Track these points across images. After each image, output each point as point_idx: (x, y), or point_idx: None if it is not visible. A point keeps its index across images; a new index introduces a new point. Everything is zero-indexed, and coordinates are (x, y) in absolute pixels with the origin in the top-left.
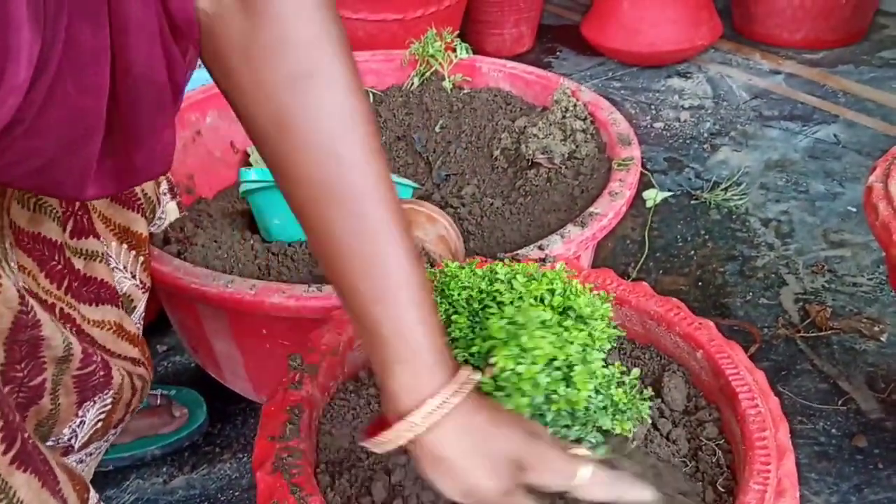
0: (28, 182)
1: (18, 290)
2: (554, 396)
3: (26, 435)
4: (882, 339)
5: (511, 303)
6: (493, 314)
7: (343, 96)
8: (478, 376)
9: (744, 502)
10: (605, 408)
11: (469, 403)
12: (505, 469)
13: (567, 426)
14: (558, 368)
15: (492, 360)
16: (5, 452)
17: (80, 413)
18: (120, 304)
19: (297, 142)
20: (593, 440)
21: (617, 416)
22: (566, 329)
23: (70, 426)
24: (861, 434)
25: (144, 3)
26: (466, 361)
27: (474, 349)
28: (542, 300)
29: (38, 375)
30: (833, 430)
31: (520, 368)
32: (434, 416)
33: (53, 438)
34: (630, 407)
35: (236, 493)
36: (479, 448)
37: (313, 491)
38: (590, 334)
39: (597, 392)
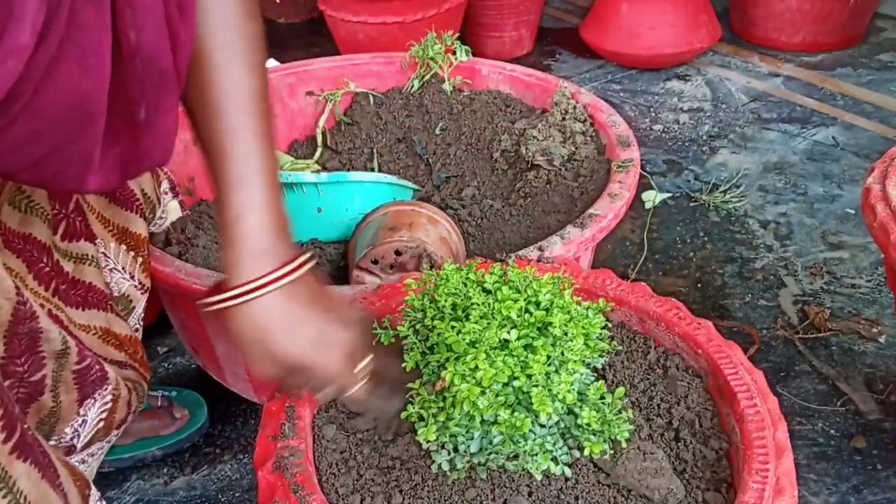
0: (30, 174)
1: (13, 281)
2: (499, 418)
3: (26, 426)
4: (880, 340)
5: (483, 316)
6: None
7: (230, 18)
8: (309, 264)
9: (743, 501)
10: (579, 427)
11: (286, 291)
12: (290, 362)
13: (515, 449)
14: (518, 389)
15: (443, 374)
16: (5, 441)
17: (82, 412)
18: (109, 307)
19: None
20: (563, 457)
21: (588, 438)
22: (533, 350)
23: (72, 425)
24: (860, 435)
25: None
26: (428, 365)
27: (434, 358)
28: (520, 314)
29: (39, 371)
30: (832, 431)
31: (462, 387)
32: (251, 295)
33: (56, 437)
34: (603, 429)
35: (237, 494)
36: (271, 339)
37: (314, 490)
38: (562, 353)
39: (569, 412)
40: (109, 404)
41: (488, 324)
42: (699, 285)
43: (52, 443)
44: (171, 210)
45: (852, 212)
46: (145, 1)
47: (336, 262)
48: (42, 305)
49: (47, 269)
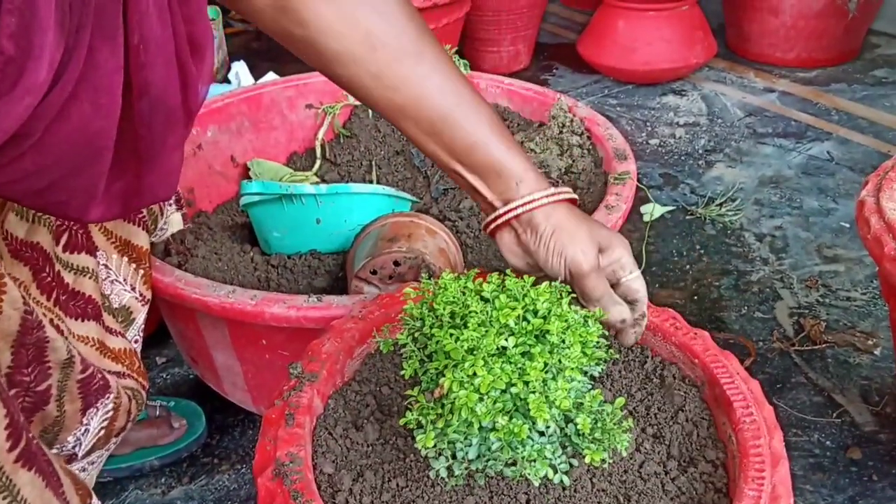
0: (33, 201)
1: (20, 291)
2: (497, 425)
3: (31, 435)
4: (875, 352)
5: (481, 324)
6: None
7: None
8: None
9: None
10: (580, 434)
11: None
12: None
13: (513, 456)
14: (516, 396)
15: (441, 381)
16: (10, 450)
17: (85, 421)
18: (102, 322)
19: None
20: (561, 465)
21: (588, 446)
22: (531, 357)
23: (75, 434)
24: (855, 446)
25: (163, 23)
26: (426, 373)
27: (433, 366)
28: (517, 322)
29: (44, 381)
30: (828, 443)
31: (461, 393)
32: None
33: (58, 446)
34: (603, 437)
35: None
36: (582, 228)
37: (313, 497)
38: (559, 361)
39: (567, 421)
40: (111, 412)
41: (486, 331)
42: (695, 298)
43: (54, 451)
44: (173, 222)
45: (847, 225)
46: (157, 40)
47: (335, 273)
48: (44, 315)
49: (48, 279)
